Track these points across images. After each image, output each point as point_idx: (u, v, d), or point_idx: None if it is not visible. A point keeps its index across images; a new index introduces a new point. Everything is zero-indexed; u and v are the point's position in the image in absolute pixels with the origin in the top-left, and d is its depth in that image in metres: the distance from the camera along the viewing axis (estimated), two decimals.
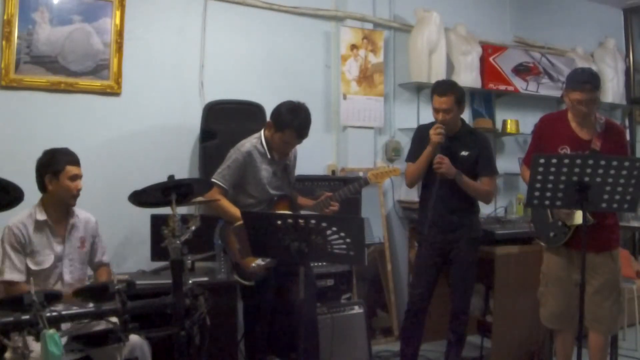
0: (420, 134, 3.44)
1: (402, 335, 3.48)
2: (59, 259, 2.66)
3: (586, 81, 2.82)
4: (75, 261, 2.72)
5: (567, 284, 2.97)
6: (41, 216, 2.64)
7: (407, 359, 3.40)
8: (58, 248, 2.67)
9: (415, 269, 3.45)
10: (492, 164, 3.35)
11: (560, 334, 3.12)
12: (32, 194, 2.59)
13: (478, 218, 3.42)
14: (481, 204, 3.44)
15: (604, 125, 2.93)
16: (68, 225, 2.71)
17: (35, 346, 1.99)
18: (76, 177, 2.67)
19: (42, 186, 2.66)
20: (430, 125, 3.43)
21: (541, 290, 3.12)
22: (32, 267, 2.58)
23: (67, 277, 2.67)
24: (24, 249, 2.58)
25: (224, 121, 3.60)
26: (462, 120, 3.35)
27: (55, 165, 2.62)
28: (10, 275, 2.53)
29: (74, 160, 2.69)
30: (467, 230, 3.27)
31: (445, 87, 3.22)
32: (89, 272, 2.89)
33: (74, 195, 2.67)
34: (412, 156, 3.44)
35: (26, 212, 2.62)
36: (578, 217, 2.77)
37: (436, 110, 3.20)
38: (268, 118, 3.04)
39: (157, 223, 3.18)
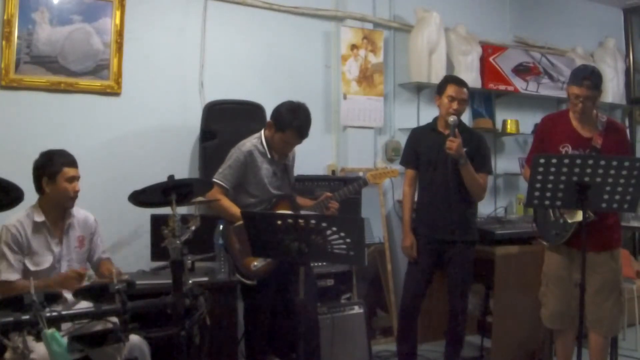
0: (415, 137, 3.46)
1: (398, 336, 3.49)
2: (57, 260, 2.65)
3: (586, 77, 2.83)
4: (73, 261, 2.71)
5: (567, 283, 2.96)
6: (39, 217, 2.62)
7: (405, 359, 3.41)
8: (56, 249, 2.66)
9: (409, 269, 3.46)
10: (488, 163, 3.38)
11: (561, 334, 3.12)
12: (32, 194, 2.59)
13: (475, 220, 3.43)
14: (480, 205, 3.45)
15: (605, 123, 2.94)
16: (65, 226, 2.70)
17: (35, 346, 1.99)
18: (73, 178, 2.65)
19: (39, 188, 2.64)
20: (425, 127, 3.46)
21: (542, 290, 3.12)
22: (31, 267, 2.58)
23: None
24: (22, 248, 2.57)
25: (224, 121, 3.60)
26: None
27: (52, 167, 2.61)
28: (7, 275, 2.52)
29: (71, 162, 2.67)
30: (464, 232, 3.28)
31: (462, 80, 3.33)
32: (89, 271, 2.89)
33: (72, 197, 2.66)
34: (406, 160, 3.46)
35: (23, 213, 2.60)
36: (580, 213, 2.77)
37: (452, 99, 3.22)
38: (268, 118, 3.05)
39: (157, 223, 3.18)
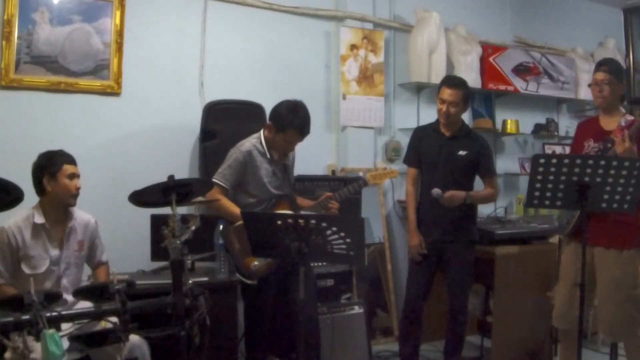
0: (417, 136, 3.45)
1: (400, 336, 3.49)
2: (55, 263, 2.64)
3: (603, 64, 2.94)
4: (71, 265, 2.71)
5: (573, 281, 2.93)
6: (39, 219, 2.61)
7: (406, 359, 3.41)
8: (54, 252, 2.64)
9: (410, 269, 3.46)
10: (492, 167, 3.40)
11: (566, 335, 3.02)
12: (32, 194, 2.59)
13: (475, 220, 3.43)
14: (480, 205, 3.45)
15: (630, 122, 2.90)
16: (66, 229, 2.70)
17: (35, 346, 1.99)
18: (74, 175, 2.66)
19: (40, 189, 2.64)
20: (428, 127, 3.46)
21: (555, 288, 3.10)
22: (26, 270, 2.57)
23: (63, 280, 2.66)
24: (15, 252, 2.56)
25: (224, 121, 3.60)
26: (462, 121, 3.37)
27: (52, 166, 2.61)
28: None
29: (71, 160, 2.68)
30: (464, 233, 3.28)
31: (456, 81, 3.27)
32: (85, 275, 2.88)
33: (74, 194, 2.66)
34: (409, 159, 3.47)
35: (23, 214, 2.60)
36: None
37: (442, 101, 3.22)
38: (268, 118, 3.04)
39: (157, 223, 3.17)
